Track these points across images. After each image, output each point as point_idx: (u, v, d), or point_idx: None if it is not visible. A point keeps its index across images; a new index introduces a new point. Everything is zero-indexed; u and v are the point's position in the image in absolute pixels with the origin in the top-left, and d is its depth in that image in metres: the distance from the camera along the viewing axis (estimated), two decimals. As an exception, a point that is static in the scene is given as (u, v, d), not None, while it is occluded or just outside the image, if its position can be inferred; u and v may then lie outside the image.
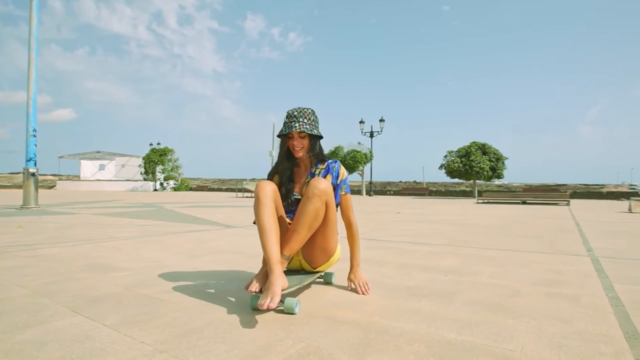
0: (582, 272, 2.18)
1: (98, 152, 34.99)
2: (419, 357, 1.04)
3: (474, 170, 20.11)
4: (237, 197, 16.98)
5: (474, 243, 3.35)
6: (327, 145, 24.18)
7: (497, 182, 25.13)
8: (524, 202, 13.53)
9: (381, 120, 22.76)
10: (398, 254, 2.74)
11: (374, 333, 1.21)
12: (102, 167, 34.95)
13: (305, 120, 1.60)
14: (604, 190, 22.65)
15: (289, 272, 1.62)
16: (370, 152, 23.74)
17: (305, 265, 1.68)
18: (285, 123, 1.63)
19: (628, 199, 12.61)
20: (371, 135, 23.31)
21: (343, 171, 1.72)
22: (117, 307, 1.44)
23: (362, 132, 23.47)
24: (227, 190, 29.03)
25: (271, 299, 1.25)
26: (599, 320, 1.35)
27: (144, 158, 29.65)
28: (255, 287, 1.39)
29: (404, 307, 1.48)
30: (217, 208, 8.48)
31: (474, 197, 20.73)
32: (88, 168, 34.30)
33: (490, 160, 20.30)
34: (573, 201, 15.43)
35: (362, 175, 24.41)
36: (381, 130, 22.91)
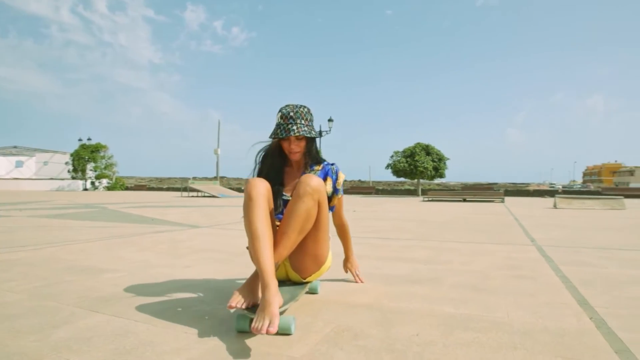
0: (532, 258, 2.60)
1: (15, 147, 31.36)
2: (433, 325, 1.28)
3: (418, 170, 21.41)
4: (182, 196, 16.36)
5: (435, 237, 3.74)
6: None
7: (437, 181, 26.98)
8: (464, 200, 14.79)
9: (330, 120, 23.29)
10: (373, 248, 2.99)
11: (389, 312, 1.42)
12: (19, 164, 31.37)
13: (303, 122, 1.48)
14: (530, 188, 25.42)
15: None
16: (319, 152, 24.15)
17: (293, 275, 1.51)
18: (279, 125, 1.48)
19: (552, 196, 14.38)
20: (320, 135, 23.75)
21: (341, 174, 1.61)
22: (137, 305, 1.49)
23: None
24: (168, 189, 27.69)
25: (270, 322, 1.08)
26: (557, 293, 1.70)
27: (72, 155, 27.18)
28: (239, 302, 1.20)
29: (402, 292, 1.72)
30: (168, 208, 8.20)
31: (418, 195, 22.14)
32: (3, 165, 30.60)
33: (433, 161, 21.76)
34: (506, 198, 17.17)
35: (311, 174, 24.73)
36: (329, 130, 23.46)
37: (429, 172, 21.65)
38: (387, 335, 1.21)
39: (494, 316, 1.38)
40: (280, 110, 1.50)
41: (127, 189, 28.24)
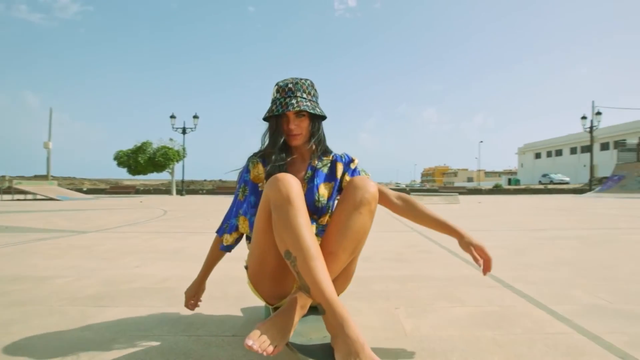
0: (420, 241, 3.55)
1: None
2: (395, 279, 1.90)
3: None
4: (3, 200, 13.33)
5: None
6: (132, 140, 21.51)
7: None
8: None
9: (195, 117, 22.52)
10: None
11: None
12: None
13: (305, 96, 1.20)
14: (381, 187, 29.61)
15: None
16: (184, 149, 23.04)
17: None
18: (275, 100, 1.20)
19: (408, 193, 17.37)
20: (183, 132, 22.68)
21: (355, 158, 1.33)
22: (141, 297, 1.65)
23: (173, 128, 22.51)
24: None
25: None
26: (448, 258, 2.55)
27: None
28: (264, 344, 0.87)
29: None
30: (5, 215, 6.86)
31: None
32: None
33: (301, 161, 23.38)
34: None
35: (172, 173, 23.37)
36: (195, 127, 22.65)
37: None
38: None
39: (422, 274, 2.10)
40: (276, 84, 1.22)
41: None
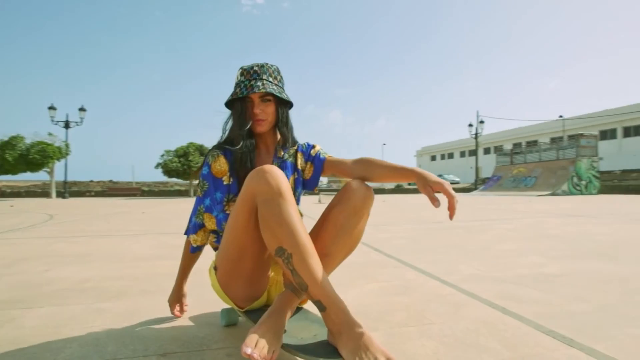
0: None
1: None
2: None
3: (192, 170, 21.76)
4: None
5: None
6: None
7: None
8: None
9: (81, 110, 20.31)
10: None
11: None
12: None
13: (271, 79, 1.17)
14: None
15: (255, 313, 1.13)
16: (67, 145, 20.57)
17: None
18: (240, 83, 1.17)
19: (317, 194, 18.05)
20: (66, 126, 20.28)
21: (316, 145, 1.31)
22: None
23: (52, 121, 19.97)
24: None
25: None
26: (365, 248, 2.94)
27: None
28: (264, 350, 0.85)
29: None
30: None
31: (190, 196, 22.49)
32: None
33: (207, 161, 22.68)
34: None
35: (51, 173, 20.69)
36: (81, 121, 20.42)
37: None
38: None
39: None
40: (241, 67, 1.19)
41: None
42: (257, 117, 1.16)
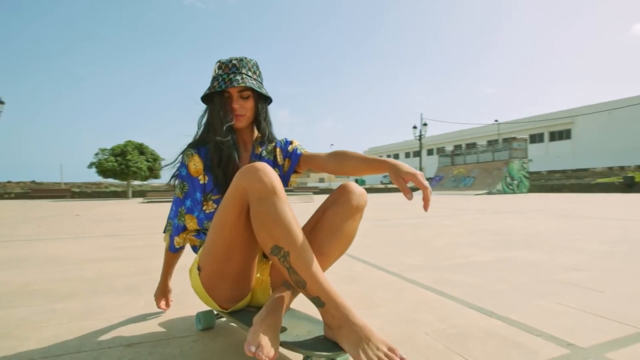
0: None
1: None
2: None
3: (131, 170, 20.72)
4: None
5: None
6: None
7: (152, 182, 26.84)
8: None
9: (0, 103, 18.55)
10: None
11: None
12: None
13: (250, 74, 1.17)
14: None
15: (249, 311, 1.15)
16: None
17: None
18: (217, 76, 1.16)
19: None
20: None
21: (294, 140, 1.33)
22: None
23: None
24: None
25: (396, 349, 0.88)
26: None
27: None
28: (269, 352, 0.85)
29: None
30: None
31: (128, 197, 21.41)
32: None
33: (147, 161, 21.66)
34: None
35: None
36: (-1, 114, 18.64)
37: (142, 173, 21.38)
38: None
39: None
40: (218, 61, 1.19)
41: None
42: (235, 112, 1.16)
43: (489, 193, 17.50)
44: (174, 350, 1.12)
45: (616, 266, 2.10)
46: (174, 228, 1.23)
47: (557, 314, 1.34)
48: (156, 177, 22.66)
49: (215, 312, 1.29)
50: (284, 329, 1.02)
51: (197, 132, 1.23)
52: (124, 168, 20.74)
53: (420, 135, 24.44)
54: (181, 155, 1.20)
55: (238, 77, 1.13)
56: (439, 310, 1.41)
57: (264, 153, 1.25)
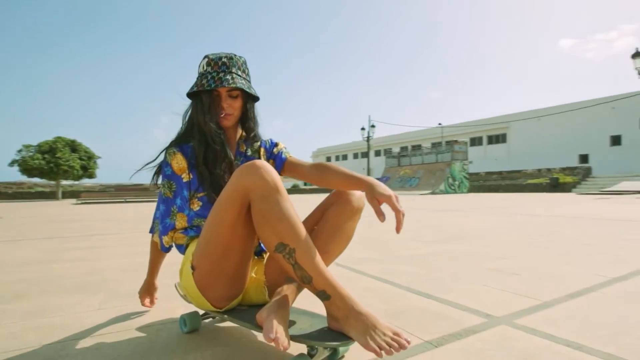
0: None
1: None
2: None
3: (61, 169, 19.35)
4: None
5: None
6: None
7: (86, 182, 25.17)
8: (126, 201, 15.24)
9: None
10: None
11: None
12: None
13: (239, 73, 1.17)
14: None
15: (244, 309, 1.17)
16: None
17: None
18: (206, 73, 1.15)
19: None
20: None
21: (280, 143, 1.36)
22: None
23: None
24: None
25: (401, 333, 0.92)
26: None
27: None
28: (284, 340, 0.88)
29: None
30: None
31: (58, 198, 19.97)
32: None
33: (81, 159, 20.35)
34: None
35: None
36: None
37: (75, 172, 20.06)
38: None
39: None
40: (206, 56, 1.17)
41: None
42: (224, 111, 1.16)
43: (432, 193, 18.53)
44: (142, 337, 1.20)
45: (532, 254, 2.46)
46: (163, 227, 1.22)
47: (481, 294, 1.60)
48: (91, 176, 21.38)
49: (202, 313, 1.30)
50: (292, 323, 1.05)
51: (180, 129, 1.23)
52: (53, 166, 19.34)
53: (368, 137, 25.21)
54: (163, 154, 1.20)
55: (228, 77, 1.13)
56: (384, 295, 1.61)
57: (249, 152, 1.27)
